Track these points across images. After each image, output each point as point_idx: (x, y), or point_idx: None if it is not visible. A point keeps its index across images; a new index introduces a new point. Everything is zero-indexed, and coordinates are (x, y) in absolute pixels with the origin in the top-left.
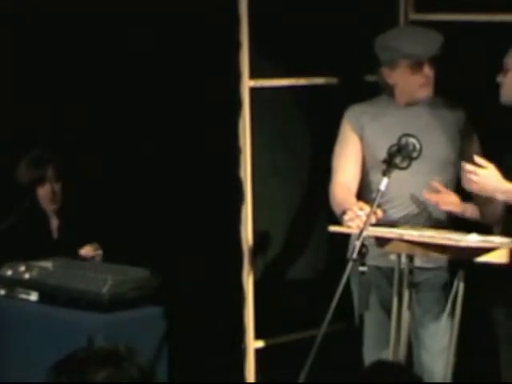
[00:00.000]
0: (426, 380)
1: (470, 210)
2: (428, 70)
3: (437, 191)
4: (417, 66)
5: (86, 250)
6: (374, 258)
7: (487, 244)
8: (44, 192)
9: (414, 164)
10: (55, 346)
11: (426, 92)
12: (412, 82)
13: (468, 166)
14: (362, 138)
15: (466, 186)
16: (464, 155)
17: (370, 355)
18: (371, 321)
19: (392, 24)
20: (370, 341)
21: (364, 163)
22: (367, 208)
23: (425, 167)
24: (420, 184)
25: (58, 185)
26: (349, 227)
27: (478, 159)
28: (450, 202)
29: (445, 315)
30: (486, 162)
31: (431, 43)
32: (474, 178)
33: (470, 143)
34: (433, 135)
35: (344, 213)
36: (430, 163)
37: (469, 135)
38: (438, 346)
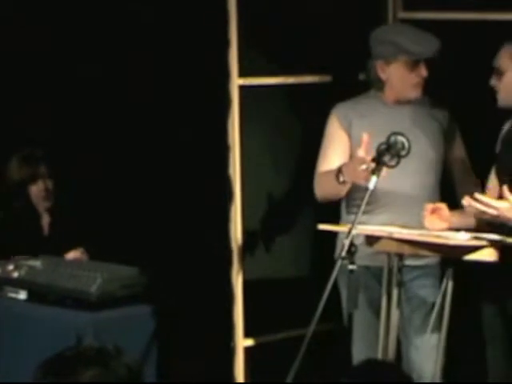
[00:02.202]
0: (415, 378)
1: (457, 222)
2: (424, 71)
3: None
4: (414, 64)
5: (72, 255)
6: (362, 257)
7: (476, 242)
8: (37, 189)
9: (401, 163)
10: (44, 344)
11: (416, 92)
12: (406, 80)
13: (484, 199)
14: (349, 136)
15: (479, 215)
16: (448, 155)
17: (359, 354)
18: (360, 320)
19: (380, 22)
20: (359, 340)
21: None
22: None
23: (411, 167)
24: (406, 183)
25: (51, 182)
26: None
27: (505, 191)
28: (438, 226)
29: (434, 314)
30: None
31: (431, 44)
32: (494, 212)
33: (455, 143)
34: (419, 134)
35: (340, 171)
36: (416, 163)
37: (453, 135)
38: (427, 345)
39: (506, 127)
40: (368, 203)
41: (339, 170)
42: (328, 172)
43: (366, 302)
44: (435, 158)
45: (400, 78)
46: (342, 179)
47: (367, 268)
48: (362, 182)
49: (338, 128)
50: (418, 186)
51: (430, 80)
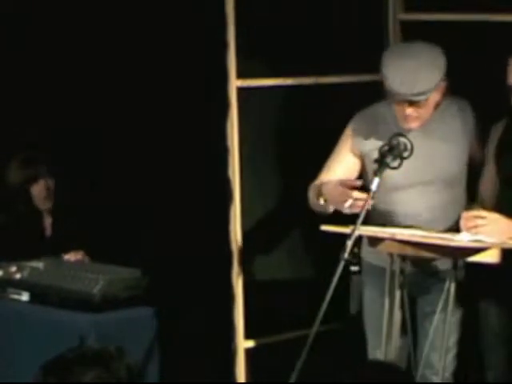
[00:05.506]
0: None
1: None
2: (410, 111)
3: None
4: (399, 100)
5: (72, 256)
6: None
7: (479, 244)
8: (38, 190)
9: (421, 184)
10: (46, 346)
11: (408, 125)
12: (397, 110)
13: (469, 213)
14: (361, 150)
15: (468, 231)
16: (474, 162)
17: (373, 349)
18: (371, 317)
19: (381, 24)
20: (372, 337)
21: (365, 177)
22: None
23: (432, 187)
24: (428, 203)
25: (52, 182)
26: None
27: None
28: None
29: (436, 316)
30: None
31: (416, 84)
32: (483, 221)
33: (479, 149)
34: (437, 153)
35: (320, 193)
36: (436, 182)
37: (477, 141)
38: (430, 347)
39: (499, 127)
40: (389, 223)
41: (320, 193)
42: (314, 187)
43: (377, 298)
44: (459, 171)
45: (394, 106)
46: (322, 202)
47: (377, 266)
48: (341, 208)
49: (349, 143)
50: (438, 203)
51: None
